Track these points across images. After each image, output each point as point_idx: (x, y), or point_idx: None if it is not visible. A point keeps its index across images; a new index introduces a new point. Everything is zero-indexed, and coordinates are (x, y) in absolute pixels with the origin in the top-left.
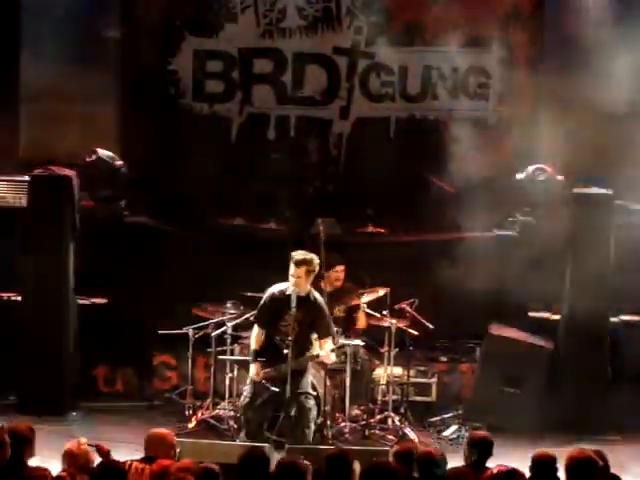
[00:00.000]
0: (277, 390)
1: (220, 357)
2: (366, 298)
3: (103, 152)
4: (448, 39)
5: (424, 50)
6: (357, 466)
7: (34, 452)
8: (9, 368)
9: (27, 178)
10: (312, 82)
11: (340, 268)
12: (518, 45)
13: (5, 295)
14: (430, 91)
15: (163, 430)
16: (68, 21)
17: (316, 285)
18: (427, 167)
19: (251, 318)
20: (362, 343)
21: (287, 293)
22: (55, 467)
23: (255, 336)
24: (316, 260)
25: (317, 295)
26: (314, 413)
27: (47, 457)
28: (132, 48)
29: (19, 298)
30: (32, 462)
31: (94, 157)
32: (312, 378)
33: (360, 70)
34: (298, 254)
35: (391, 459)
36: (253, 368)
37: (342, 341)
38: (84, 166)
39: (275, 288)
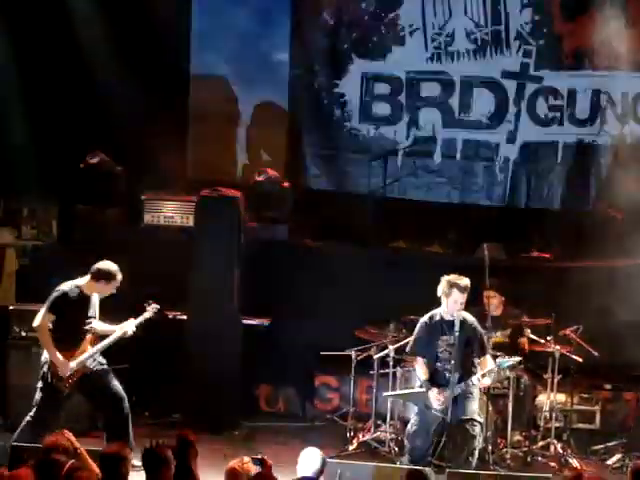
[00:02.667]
0: (444, 417)
1: (384, 394)
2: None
3: (271, 173)
4: (618, 63)
5: (593, 74)
6: None
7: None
8: (173, 386)
9: (194, 199)
10: (479, 105)
11: (490, 294)
12: None
13: (171, 314)
14: (599, 116)
15: (315, 449)
16: (237, 42)
17: (480, 310)
18: (593, 192)
19: (407, 350)
20: (519, 359)
21: (437, 319)
22: None
23: (420, 367)
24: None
25: (467, 315)
26: (479, 440)
27: (209, 474)
28: (300, 70)
29: (184, 317)
30: None
31: (262, 178)
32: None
33: (528, 94)
34: (462, 280)
35: None
36: (432, 395)
37: (500, 360)
38: (251, 187)
39: (425, 318)
